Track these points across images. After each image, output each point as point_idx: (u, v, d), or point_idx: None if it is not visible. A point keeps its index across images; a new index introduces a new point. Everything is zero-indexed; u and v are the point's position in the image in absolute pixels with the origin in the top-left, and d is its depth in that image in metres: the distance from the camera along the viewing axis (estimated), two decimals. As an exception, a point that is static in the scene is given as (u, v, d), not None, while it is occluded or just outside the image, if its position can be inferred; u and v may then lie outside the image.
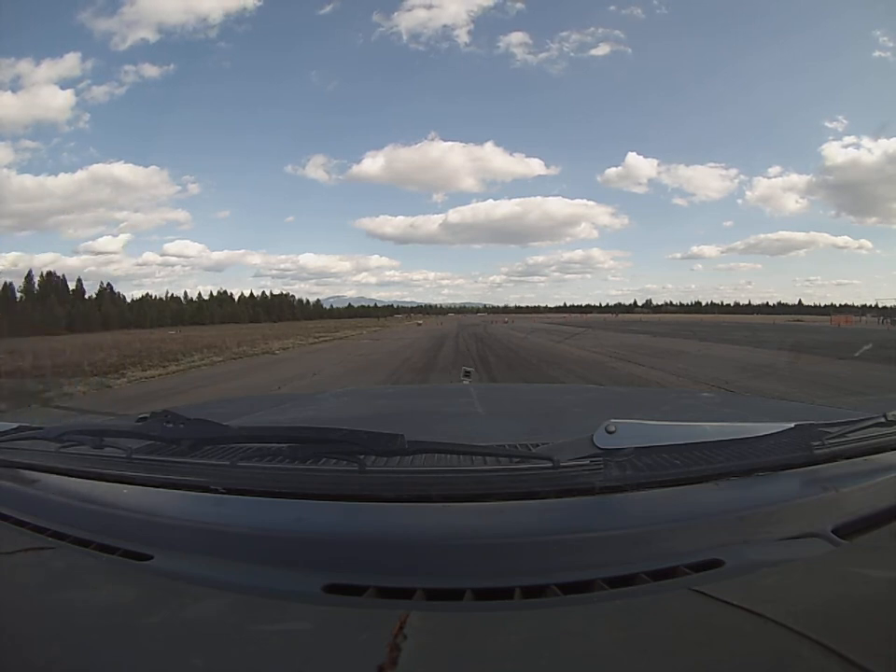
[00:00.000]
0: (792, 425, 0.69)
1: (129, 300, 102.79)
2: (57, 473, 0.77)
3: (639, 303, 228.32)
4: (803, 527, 0.56)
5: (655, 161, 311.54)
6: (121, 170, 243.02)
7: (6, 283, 78.87)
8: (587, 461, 0.63)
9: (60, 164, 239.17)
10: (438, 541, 0.55)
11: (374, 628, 0.41)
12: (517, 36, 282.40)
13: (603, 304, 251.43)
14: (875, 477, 0.68)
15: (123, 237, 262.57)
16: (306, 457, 0.68)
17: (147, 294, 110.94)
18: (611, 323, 48.39)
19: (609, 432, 0.61)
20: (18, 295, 78.44)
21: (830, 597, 0.45)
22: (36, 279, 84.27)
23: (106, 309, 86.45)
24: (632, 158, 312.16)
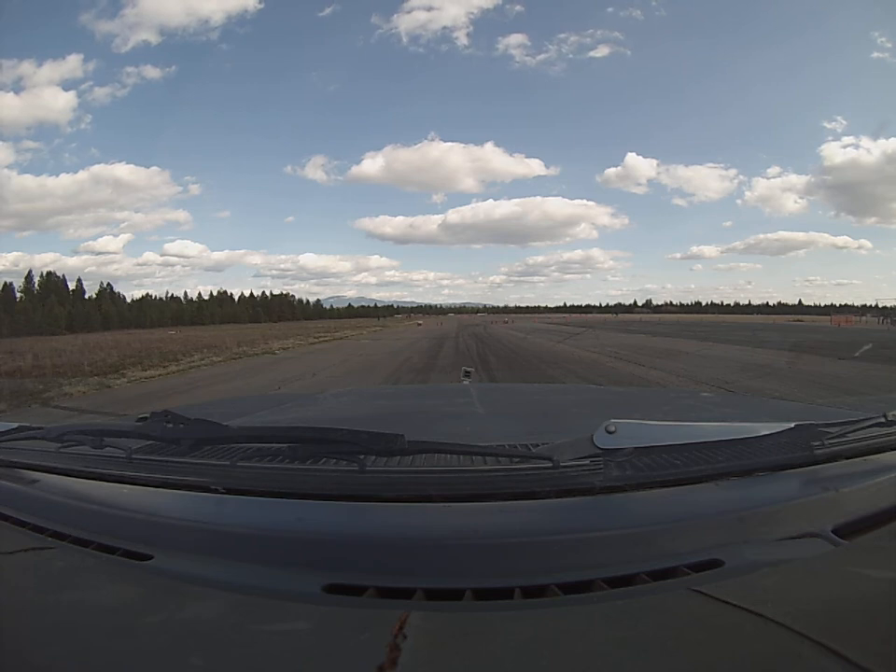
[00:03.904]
0: (792, 425, 0.68)
1: (129, 300, 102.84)
2: (57, 473, 0.77)
3: (639, 303, 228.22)
4: (803, 527, 0.56)
5: (655, 162, 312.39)
6: (122, 170, 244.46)
7: (6, 283, 79.04)
8: (587, 461, 0.63)
9: (61, 165, 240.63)
10: (438, 541, 0.55)
11: (374, 628, 0.41)
12: (516, 38, 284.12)
13: (603, 304, 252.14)
14: (875, 477, 0.68)
15: (124, 237, 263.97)
16: (306, 457, 0.68)
17: (147, 294, 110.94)
18: (611, 323, 48.31)
19: (609, 432, 0.61)
20: (18, 295, 78.50)
21: (830, 597, 0.45)
22: (36, 279, 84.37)
23: (106, 309, 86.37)
24: (631, 158, 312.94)
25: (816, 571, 0.50)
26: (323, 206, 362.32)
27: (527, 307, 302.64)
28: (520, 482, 0.63)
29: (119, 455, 0.75)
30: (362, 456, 0.66)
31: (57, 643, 0.41)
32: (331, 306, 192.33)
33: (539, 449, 0.69)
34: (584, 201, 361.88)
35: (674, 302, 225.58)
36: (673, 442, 0.66)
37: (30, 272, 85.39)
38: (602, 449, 0.61)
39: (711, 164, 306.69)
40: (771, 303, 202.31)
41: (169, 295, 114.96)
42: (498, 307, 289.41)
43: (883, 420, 0.77)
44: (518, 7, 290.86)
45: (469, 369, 2.75)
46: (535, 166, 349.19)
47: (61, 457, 0.79)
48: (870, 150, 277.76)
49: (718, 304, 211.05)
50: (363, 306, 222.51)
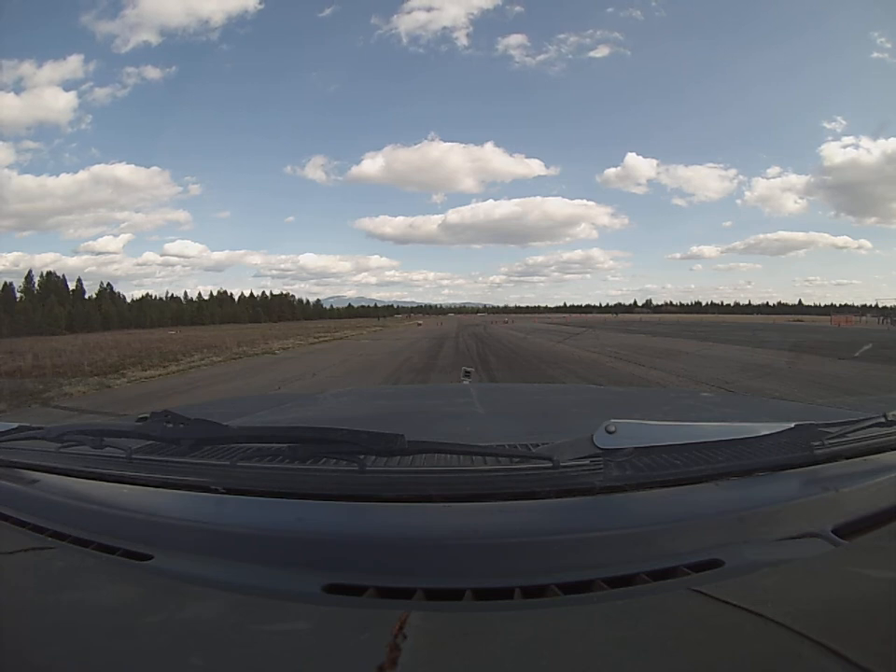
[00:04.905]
0: (792, 425, 0.68)
1: (129, 300, 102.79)
2: (57, 473, 0.77)
3: (639, 303, 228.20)
4: (803, 527, 0.56)
5: (654, 162, 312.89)
6: (123, 171, 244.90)
7: (6, 283, 79.01)
8: (587, 461, 0.63)
9: (61, 165, 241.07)
10: (438, 541, 0.55)
11: (374, 628, 0.41)
12: (516, 38, 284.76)
13: (603, 304, 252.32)
14: (875, 477, 0.68)
15: (124, 237, 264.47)
16: (306, 457, 0.68)
17: (147, 294, 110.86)
18: (611, 323, 48.28)
19: (609, 432, 0.61)
20: (18, 295, 78.47)
21: (830, 597, 0.45)
22: (36, 279, 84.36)
23: (106, 309, 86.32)
24: (631, 158, 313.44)
25: (816, 571, 0.50)
26: (323, 206, 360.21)
27: (527, 307, 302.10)
28: (520, 482, 0.63)
29: (119, 454, 0.75)
30: (362, 456, 0.65)
31: (57, 643, 0.41)
32: (331, 306, 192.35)
33: (539, 449, 0.69)
34: (584, 201, 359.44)
35: (674, 302, 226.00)
36: (673, 442, 0.66)
37: (30, 272, 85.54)
38: (602, 449, 0.61)
39: (711, 164, 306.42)
40: (771, 303, 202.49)
41: (169, 295, 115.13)
42: (498, 307, 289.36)
43: (883, 420, 0.77)
44: (518, 8, 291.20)
45: (469, 369, 2.75)
46: (535, 166, 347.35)
47: (61, 457, 0.79)
48: (870, 150, 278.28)
49: (718, 304, 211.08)
50: (363, 306, 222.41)
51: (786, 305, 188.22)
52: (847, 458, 0.73)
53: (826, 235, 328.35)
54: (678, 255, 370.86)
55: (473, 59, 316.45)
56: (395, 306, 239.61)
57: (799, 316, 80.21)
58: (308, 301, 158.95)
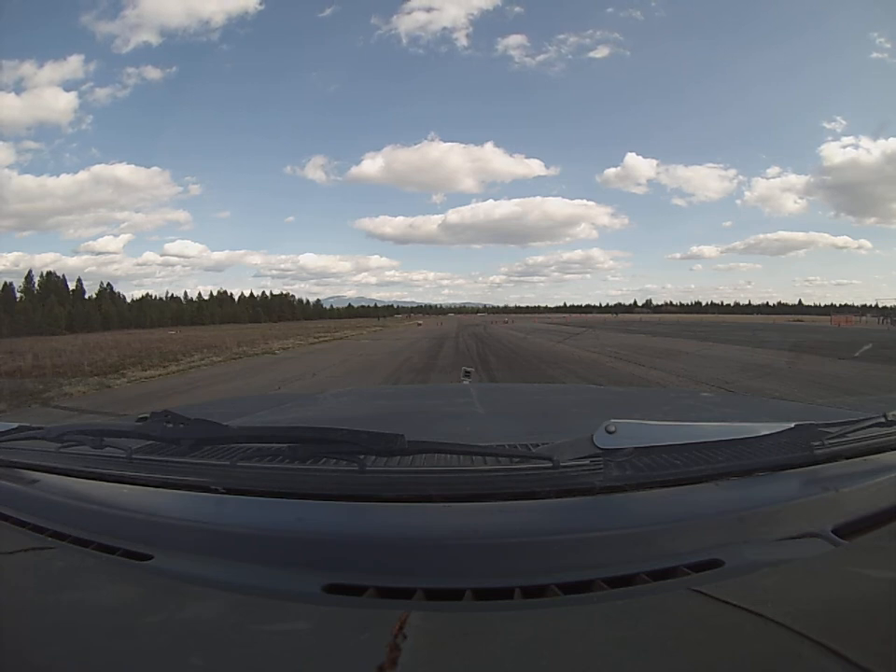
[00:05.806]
0: (792, 425, 0.68)
1: (129, 300, 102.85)
2: (57, 473, 0.77)
3: (639, 303, 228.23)
4: (803, 527, 0.56)
5: (654, 162, 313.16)
6: (123, 171, 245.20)
7: (6, 283, 79.02)
8: (587, 461, 0.63)
9: (62, 165, 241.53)
10: (438, 541, 0.55)
11: (374, 628, 0.41)
12: (515, 39, 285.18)
13: (603, 304, 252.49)
14: (875, 477, 0.68)
15: (124, 237, 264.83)
16: (306, 457, 0.68)
17: (147, 294, 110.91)
18: (611, 323, 48.28)
19: (609, 432, 0.61)
20: (18, 295, 78.48)
21: (830, 597, 0.45)
22: (36, 279, 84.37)
23: (106, 309, 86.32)
24: (631, 158, 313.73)
25: (816, 571, 0.50)
26: (323, 206, 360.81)
27: (527, 307, 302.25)
28: (520, 482, 0.63)
29: (119, 454, 0.75)
30: (362, 456, 0.65)
31: (57, 643, 0.41)
32: (331, 306, 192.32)
33: (539, 449, 0.69)
34: (584, 201, 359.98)
35: (674, 302, 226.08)
36: (673, 442, 0.66)
37: (30, 272, 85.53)
38: (602, 449, 0.61)
39: (711, 164, 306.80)
40: (771, 303, 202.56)
41: (169, 295, 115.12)
42: (498, 307, 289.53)
43: (883, 420, 0.77)
44: (517, 8, 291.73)
45: (469, 369, 2.75)
46: (535, 166, 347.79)
47: (61, 457, 0.79)
48: (870, 150, 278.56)
49: (718, 304, 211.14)
50: (363, 306, 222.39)
51: (786, 305, 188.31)
52: (847, 458, 0.73)
53: (826, 235, 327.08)
54: (678, 255, 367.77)
55: (473, 59, 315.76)
56: (395, 306, 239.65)
57: (799, 316, 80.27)
58: (308, 301, 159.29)
